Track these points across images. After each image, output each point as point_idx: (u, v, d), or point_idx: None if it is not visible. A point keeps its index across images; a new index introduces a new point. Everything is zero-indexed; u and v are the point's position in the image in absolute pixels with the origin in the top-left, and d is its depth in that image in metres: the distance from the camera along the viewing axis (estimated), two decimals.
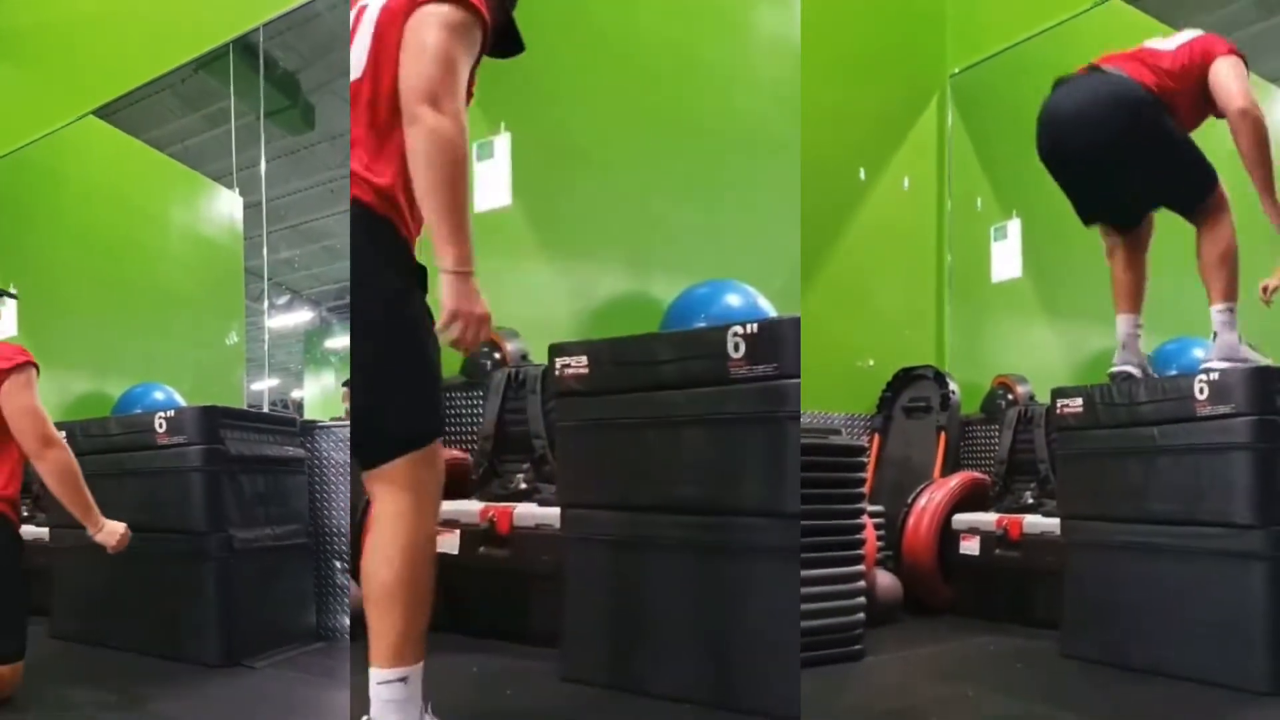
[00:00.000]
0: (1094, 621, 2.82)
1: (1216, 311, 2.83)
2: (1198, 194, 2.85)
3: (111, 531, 2.54)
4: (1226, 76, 2.76)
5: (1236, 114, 2.72)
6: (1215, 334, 2.83)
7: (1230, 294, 2.82)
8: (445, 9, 1.70)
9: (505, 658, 2.72)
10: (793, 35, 3.63)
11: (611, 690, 2.42)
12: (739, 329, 2.28)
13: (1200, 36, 2.87)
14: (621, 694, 2.40)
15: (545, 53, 3.94)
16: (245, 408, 4.38)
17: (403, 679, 1.65)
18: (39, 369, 2.52)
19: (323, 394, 6.83)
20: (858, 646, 2.76)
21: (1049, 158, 2.93)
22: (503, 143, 3.65)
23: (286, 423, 3.51)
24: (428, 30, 1.68)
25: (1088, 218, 3.05)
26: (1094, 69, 2.85)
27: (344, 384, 5.19)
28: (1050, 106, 2.89)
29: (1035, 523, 3.39)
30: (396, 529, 1.66)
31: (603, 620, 2.51)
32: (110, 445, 3.29)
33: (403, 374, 1.71)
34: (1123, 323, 3.03)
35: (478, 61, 1.78)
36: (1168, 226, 4.33)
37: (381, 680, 1.65)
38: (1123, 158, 2.81)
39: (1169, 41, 2.90)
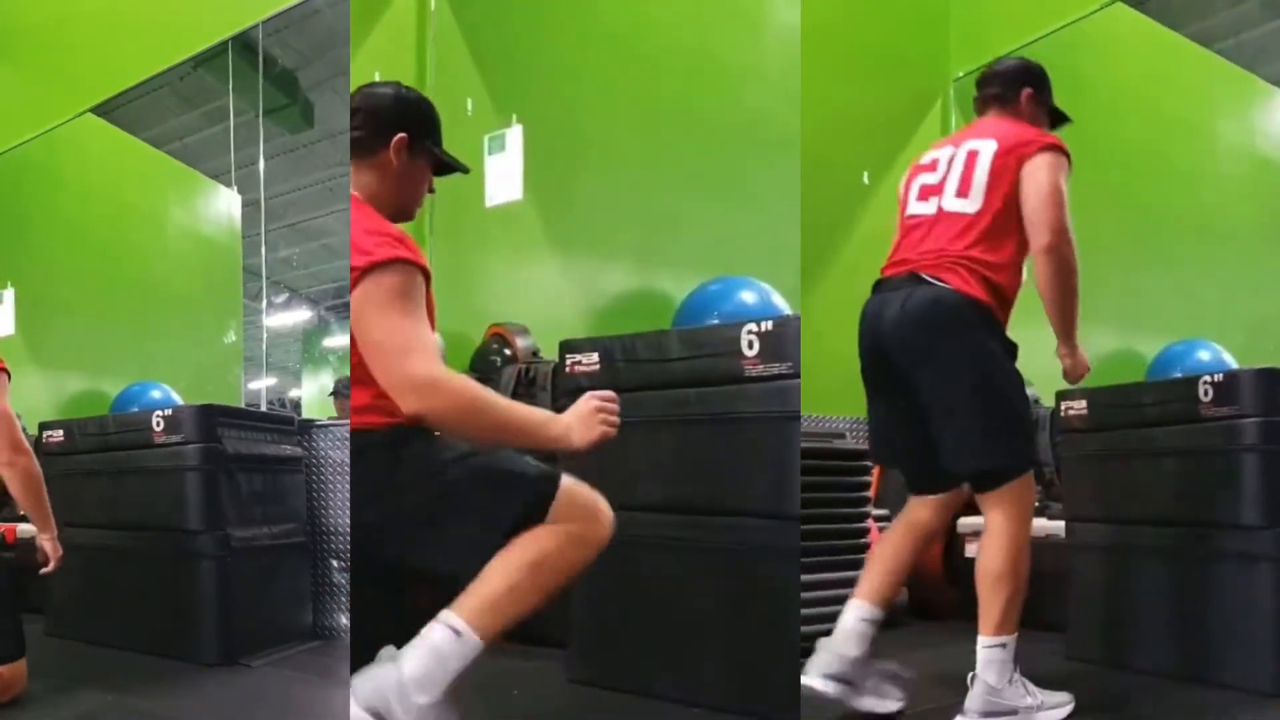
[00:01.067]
0: (1099, 624, 2.81)
1: (984, 647, 2.07)
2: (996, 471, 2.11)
3: (56, 546, 2.50)
4: (1034, 195, 2.08)
5: (1039, 252, 2.07)
6: (974, 676, 2.07)
7: (1005, 627, 2.06)
8: (392, 277, 1.62)
9: (512, 658, 2.69)
10: (794, 24, 3.60)
11: (617, 691, 2.41)
12: (753, 326, 2.25)
13: (1006, 146, 2.13)
14: (627, 695, 2.38)
15: (557, 47, 3.98)
16: (243, 406, 4.36)
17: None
18: (10, 375, 2.49)
19: (321, 393, 6.79)
20: None
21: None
22: (515, 135, 3.63)
23: (284, 421, 3.50)
24: (386, 308, 1.60)
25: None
26: (913, 276, 2.13)
27: (331, 394, 5.17)
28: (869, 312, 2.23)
29: (1040, 526, 3.33)
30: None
31: (609, 621, 2.49)
32: (107, 444, 3.28)
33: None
34: (851, 609, 2.20)
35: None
36: (1168, 224, 4.35)
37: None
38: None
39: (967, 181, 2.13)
